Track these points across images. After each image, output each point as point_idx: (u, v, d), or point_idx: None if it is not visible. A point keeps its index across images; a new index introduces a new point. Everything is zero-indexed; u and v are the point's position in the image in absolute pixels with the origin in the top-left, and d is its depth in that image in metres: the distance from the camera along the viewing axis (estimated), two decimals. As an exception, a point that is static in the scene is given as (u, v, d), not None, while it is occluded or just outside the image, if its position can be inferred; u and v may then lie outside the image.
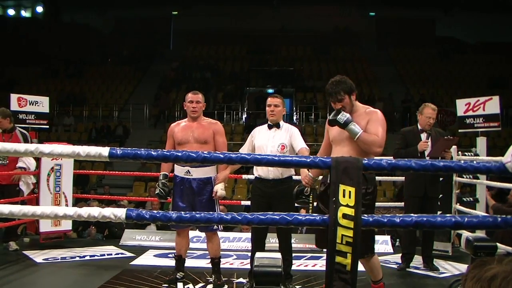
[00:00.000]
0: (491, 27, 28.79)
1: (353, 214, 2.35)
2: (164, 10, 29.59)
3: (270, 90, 23.08)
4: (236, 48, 29.23)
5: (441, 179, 6.89)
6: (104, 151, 2.40)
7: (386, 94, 22.52)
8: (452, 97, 19.58)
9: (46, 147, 2.34)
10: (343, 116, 4.15)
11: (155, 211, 2.44)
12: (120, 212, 2.35)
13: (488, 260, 1.54)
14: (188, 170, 5.41)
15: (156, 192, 5.54)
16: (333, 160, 2.41)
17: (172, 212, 2.45)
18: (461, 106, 7.87)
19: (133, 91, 24.68)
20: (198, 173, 5.41)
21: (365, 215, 2.42)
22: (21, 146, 2.34)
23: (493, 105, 7.53)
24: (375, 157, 3.47)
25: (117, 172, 12.31)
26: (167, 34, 30.83)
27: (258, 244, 5.35)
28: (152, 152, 2.41)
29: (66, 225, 7.80)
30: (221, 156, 2.42)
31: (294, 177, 5.50)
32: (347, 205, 2.36)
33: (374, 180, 4.35)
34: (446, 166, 2.38)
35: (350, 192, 2.36)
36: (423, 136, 6.32)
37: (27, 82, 23.81)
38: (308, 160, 2.40)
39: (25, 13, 30.85)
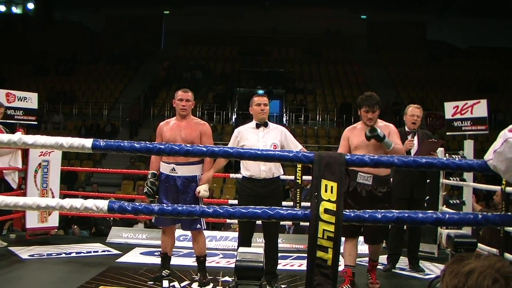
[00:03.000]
0: (481, 32, 28.94)
1: (334, 209, 2.35)
2: (156, 9, 29.53)
3: (261, 91, 23.09)
4: (227, 49, 29.25)
5: (428, 181, 6.92)
6: (87, 142, 2.39)
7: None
8: (441, 101, 19.52)
9: (29, 138, 2.33)
10: (381, 132, 5.02)
11: (137, 203, 2.44)
12: (102, 204, 2.35)
13: (466, 256, 1.56)
14: (173, 168, 5.40)
15: (144, 191, 5.52)
16: (315, 155, 2.41)
17: (154, 204, 2.44)
18: (449, 109, 7.89)
19: (123, 89, 24.64)
20: (183, 171, 5.39)
21: (347, 211, 2.43)
22: (4, 136, 2.34)
23: (481, 108, 7.55)
24: None
25: (105, 169, 12.29)
26: (159, 33, 30.80)
27: (244, 243, 5.31)
28: (135, 145, 2.41)
29: (53, 222, 7.77)
30: (204, 149, 2.42)
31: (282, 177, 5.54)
32: (328, 200, 2.36)
33: (389, 181, 5.36)
34: (428, 162, 2.38)
35: (332, 187, 2.36)
36: (410, 137, 6.34)
37: (17, 79, 23.70)
38: (291, 155, 2.40)
39: (16, 10, 30.68)
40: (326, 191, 2.37)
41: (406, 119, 6.48)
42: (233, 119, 22.61)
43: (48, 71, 26.10)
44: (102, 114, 22.33)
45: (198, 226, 5.46)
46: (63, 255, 6.81)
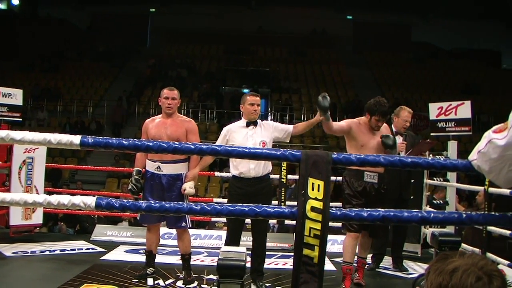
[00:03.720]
0: (466, 34, 29.21)
1: (321, 207, 2.38)
2: (142, 7, 29.48)
3: (246, 90, 23.10)
4: (212, 48, 29.23)
5: (412, 181, 6.98)
6: (76, 139, 2.40)
7: (361, 97, 22.68)
8: (426, 102, 19.76)
9: (17, 134, 2.33)
10: (394, 141, 5.36)
11: (124, 200, 2.45)
12: (90, 200, 2.35)
13: (450, 254, 1.59)
14: (158, 166, 5.39)
15: (129, 188, 5.51)
16: (303, 153, 2.43)
17: (142, 201, 2.45)
18: (434, 110, 7.94)
19: (108, 87, 24.54)
20: (169, 169, 5.39)
21: (334, 209, 2.46)
22: (-8, 132, 2.34)
23: (465, 110, 7.61)
24: None
25: (90, 167, 12.24)
26: (145, 31, 30.72)
27: (233, 243, 5.28)
28: (123, 142, 2.41)
29: (37, 219, 7.72)
30: (192, 147, 2.43)
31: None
32: (315, 198, 2.39)
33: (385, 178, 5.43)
34: (413, 162, 2.42)
35: (319, 185, 2.39)
36: (398, 138, 6.37)
37: (2, 76, 23.53)
38: (278, 153, 2.42)
39: (0, 5, 30.48)
40: (313, 189, 2.39)
41: (396, 120, 6.48)
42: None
43: (33, 68, 25.94)
44: (87, 112, 22.23)
45: (183, 224, 5.46)
46: (47, 252, 6.78)
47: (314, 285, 2.45)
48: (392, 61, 27.98)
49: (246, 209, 2.40)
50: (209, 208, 2.38)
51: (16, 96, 7.90)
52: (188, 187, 5.34)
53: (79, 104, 22.53)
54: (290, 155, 2.44)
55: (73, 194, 9.93)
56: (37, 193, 7.56)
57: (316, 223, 2.37)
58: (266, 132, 5.34)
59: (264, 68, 26.55)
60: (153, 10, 30.59)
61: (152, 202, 2.40)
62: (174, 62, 26.10)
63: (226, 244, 5.33)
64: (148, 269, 5.66)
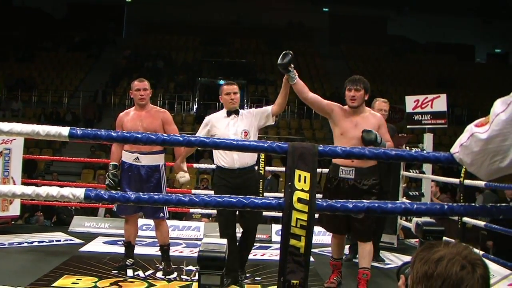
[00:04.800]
0: (440, 28, 29.50)
1: (308, 199, 2.43)
2: (118, -3, 29.30)
3: (222, 81, 23.09)
4: (189, 39, 29.12)
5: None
6: (64, 131, 2.41)
7: (338, 89, 22.81)
8: (401, 95, 19.95)
9: (5, 125, 2.33)
10: (379, 137, 4.78)
11: (113, 191, 2.47)
12: (78, 192, 2.37)
13: (435, 243, 1.65)
14: (137, 157, 5.41)
15: (106, 182, 5.52)
16: (289, 145, 2.48)
17: (131, 193, 2.48)
18: (410, 102, 8.04)
19: (84, 78, 24.34)
20: (147, 160, 5.42)
21: (319, 200, 2.52)
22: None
23: (440, 103, 7.73)
24: None
25: (66, 158, 12.18)
26: (121, 21, 30.49)
27: (225, 236, 5.14)
28: (112, 133, 2.43)
29: (14, 211, 7.67)
30: (181, 139, 2.46)
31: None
32: (302, 190, 2.43)
33: (376, 172, 5.02)
34: (397, 154, 2.47)
35: (305, 177, 2.44)
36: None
37: (-25, 65, 23.28)
38: (266, 145, 2.46)
39: (-27, -6, 30.02)
40: (299, 181, 2.44)
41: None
42: (194, 109, 22.60)
43: (7, 58, 25.59)
44: (62, 103, 22.01)
45: (161, 214, 5.49)
46: (25, 244, 6.77)
47: (300, 274, 2.50)
48: (368, 54, 28.16)
49: (234, 200, 2.44)
50: (197, 200, 2.41)
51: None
52: (180, 177, 5.39)
53: (54, 95, 22.29)
54: (277, 147, 2.48)
55: (49, 186, 9.94)
56: (14, 185, 7.52)
57: (302, 214, 2.42)
58: (248, 121, 5.21)
59: (240, 59, 26.53)
60: (129, 0, 30.38)
61: (141, 194, 2.42)
62: (150, 53, 25.98)
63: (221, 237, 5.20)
64: (128, 260, 5.68)
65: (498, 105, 2.07)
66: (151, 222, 7.99)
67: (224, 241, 2.69)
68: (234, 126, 5.19)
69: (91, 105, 21.24)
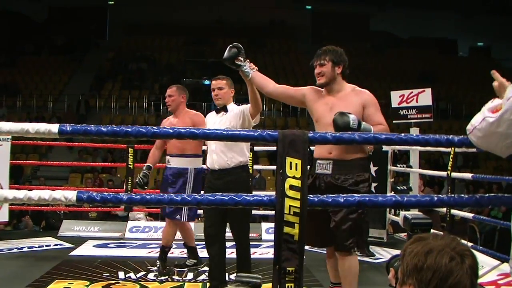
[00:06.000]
0: (422, 23, 29.66)
1: (299, 186, 2.46)
2: (100, -1, 29.16)
3: (207, 82, 23.09)
4: (172, 39, 29.04)
5: (375, 168, 7.15)
6: (54, 127, 2.41)
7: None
8: (385, 90, 20.03)
9: (-8, 125, 2.34)
10: (355, 120, 3.65)
11: (105, 193, 2.47)
12: (70, 194, 2.36)
13: (424, 236, 1.68)
14: (168, 159, 5.46)
15: (136, 181, 5.54)
16: (280, 133, 2.50)
17: (123, 194, 2.48)
18: (395, 97, 8.09)
19: (68, 81, 24.23)
20: (175, 162, 5.44)
21: (311, 195, 2.53)
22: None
23: (425, 97, 7.78)
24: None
25: (54, 162, 12.13)
26: (103, 24, 30.35)
27: (212, 240, 4.85)
28: (102, 128, 2.43)
29: (2, 217, 7.59)
30: (171, 131, 2.47)
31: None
32: (293, 177, 2.46)
33: (369, 167, 4.20)
34: (387, 138, 2.50)
35: (296, 164, 2.46)
36: None
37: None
38: (256, 134, 2.47)
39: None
40: (291, 168, 2.46)
41: None
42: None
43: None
44: (47, 107, 21.90)
45: (178, 217, 5.48)
46: (15, 250, 6.73)
47: (295, 261, 2.52)
48: (351, 50, 28.13)
49: (226, 198, 2.45)
50: (189, 199, 2.41)
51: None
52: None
53: (38, 99, 22.18)
54: (267, 135, 2.49)
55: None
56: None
57: (295, 201, 2.44)
58: (233, 119, 4.81)
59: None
60: (112, 2, 30.25)
61: (133, 194, 2.43)
62: (134, 55, 25.91)
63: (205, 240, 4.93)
64: (188, 261, 5.86)
65: (510, 90, 2.14)
66: (140, 224, 8.04)
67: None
68: (219, 124, 4.87)
69: (70, 114, 20.77)
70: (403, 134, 2.53)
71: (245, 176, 4.87)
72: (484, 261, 5.55)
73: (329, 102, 4.02)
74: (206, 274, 5.24)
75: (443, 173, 7.05)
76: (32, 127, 2.38)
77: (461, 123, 19.02)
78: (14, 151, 16.12)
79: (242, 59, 4.19)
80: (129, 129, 2.39)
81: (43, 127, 2.40)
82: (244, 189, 4.57)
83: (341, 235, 3.86)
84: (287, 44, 29.03)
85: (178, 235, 5.90)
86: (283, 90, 4.28)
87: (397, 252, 6.62)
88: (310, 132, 2.53)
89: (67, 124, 2.43)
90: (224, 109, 4.95)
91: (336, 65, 4.08)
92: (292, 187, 2.45)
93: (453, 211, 6.59)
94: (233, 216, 4.76)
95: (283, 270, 2.52)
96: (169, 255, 6.36)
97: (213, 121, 4.98)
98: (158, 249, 5.87)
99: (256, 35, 28.74)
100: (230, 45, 4.19)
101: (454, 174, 6.62)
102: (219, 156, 4.74)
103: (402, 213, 2.79)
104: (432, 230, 6.23)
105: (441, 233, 1.74)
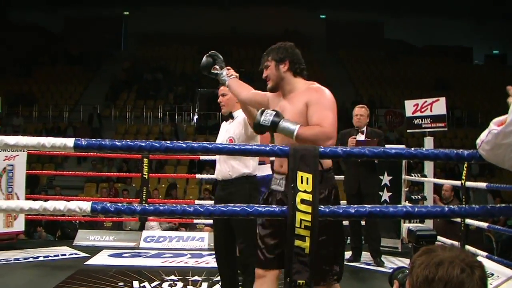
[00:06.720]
0: (437, 31, 29.56)
1: (311, 200, 2.48)
2: (115, 10, 29.34)
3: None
4: (186, 49, 29.18)
5: (382, 177, 7.23)
6: (69, 142, 2.45)
7: (336, 95, 22.82)
8: (400, 98, 20.03)
9: (11, 139, 2.37)
10: (268, 116, 3.19)
11: (119, 204, 2.50)
12: (85, 205, 2.39)
13: (432, 248, 1.69)
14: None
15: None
16: (291, 148, 2.53)
17: (137, 204, 2.51)
18: (410, 107, 8.10)
19: (83, 91, 24.41)
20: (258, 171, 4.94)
21: (322, 206, 2.55)
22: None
23: (440, 106, 7.78)
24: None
25: (69, 172, 12.20)
26: (118, 34, 30.59)
27: (219, 255, 4.56)
28: (116, 143, 2.47)
29: (18, 226, 7.67)
30: (184, 145, 2.49)
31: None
32: (305, 191, 2.48)
33: (332, 180, 3.36)
34: (397, 153, 2.52)
35: (307, 178, 2.49)
36: (359, 135, 6.62)
37: (-27, 82, 23.31)
38: (267, 149, 2.50)
39: (-31, 11, 30.12)
40: (302, 182, 2.49)
41: (353, 118, 6.79)
42: (195, 120, 22.60)
43: (5, 73, 25.62)
44: (63, 117, 22.04)
45: None
46: (31, 259, 6.77)
47: (305, 274, 2.54)
48: (365, 59, 28.21)
49: (238, 209, 2.47)
50: (202, 209, 2.44)
51: (-7, 103, 7.90)
52: None
53: (54, 109, 22.35)
54: (279, 150, 2.52)
55: (54, 200, 9.96)
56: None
57: (306, 215, 2.47)
58: (237, 127, 4.55)
59: (239, 68, 26.47)
60: (127, 13, 30.48)
61: (147, 205, 2.46)
62: (149, 65, 26.04)
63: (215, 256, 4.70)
64: None
65: None
66: (155, 233, 8.07)
67: None
68: (226, 132, 4.63)
69: (83, 129, 20.68)
70: (413, 149, 2.53)
71: (248, 188, 4.50)
72: (500, 271, 5.49)
73: (282, 106, 3.50)
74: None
75: (458, 182, 7.02)
76: (48, 141, 2.43)
77: (476, 131, 18.83)
78: (30, 161, 16.28)
79: (218, 67, 4.03)
80: (143, 144, 2.42)
81: (58, 141, 2.44)
82: (244, 201, 3.98)
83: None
84: (302, 53, 28.91)
85: (189, 243, 5.87)
86: (252, 96, 3.90)
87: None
88: (321, 146, 2.55)
89: (82, 139, 2.47)
90: (231, 116, 4.67)
91: (280, 63, 3.59)
92: (303, 201, 2.47)
93: (468, 221, 6.56)
94: (237, 227, 4.43)
95: (294, 283, 2.54)
96: (183, 264, 6.43)
97: (223, 129, 4.72)
98: (173, 259, 5.88)
99: (270, 45, 28.63)
100: (206, 54, 4.07)
101: (469, 183, 6.60)
102: (222, 166, 4.54)
103: (406, 225, 2.79)
104: (453, 242, 6.23)
105: (451, 244, 1.75)
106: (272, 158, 4.87)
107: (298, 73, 3.58)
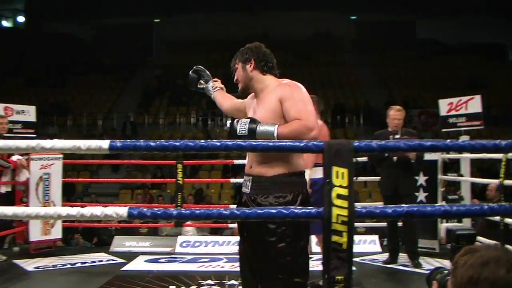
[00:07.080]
0: (470, 29, 29.18)
1: (347, 194, 2.47)
2: (145, 18, 29.60)
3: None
4: (217, 55, 29.29)
5: (418, 177, 7.13)
6: (104, 143, 2.47)
7: (369, 97, 22.72)
8: (434, 98, 19.73)
9: (47, 142, 2.39)
10: (243, 125, 3.19)
11: (156, 209, 2.49)
12: (122, 211, 2.40)
13: (474, 248, 1.64)
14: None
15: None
16: (325, 143, 2.53)
17: (173, 209, 2.51)
18: (444, 106, 8.00)
19: (116, 99, 24.68)
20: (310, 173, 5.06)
21: (358, 207, 2.52)
22: (23, 143, 2.41)
23: (475, 104, 7.68)
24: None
25: (104, 179, 12.32)
26: (150, 42, 30.85)
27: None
28: (151, 143, 2.48)
29: (56, 234, 7.75)
30: (218, 144, 2.50)
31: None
32: (340, 186, 2.48)
33: (299, 185, 3.23)
34: (432, 145, 2.47)
35: (343, 173, 2.48)
36: (394, 137, 6.49)
37: (9, 92, 23.65)
38: (302, 145, 2.49)
39: (6, 23, 30.71)
40: (337, 177, 2.48)
41: (388, 121, 6.60)
42: (228, 124, 22.60)
43: (39, 83, 26.05)
44: (97, 125, 22.33)
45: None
46: (68, 266, 6.83)
47: (344, 270, 2.52)
48: (397, 59, 27.96)
49: (274, 211, 2.46)
50: (238, 213, 2.43)
51: (29, 113, 8.04)
52: None
53: (88, 118, 22.65)
54: (313, 146, 2.50)
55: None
56: (55, 207, 7.62)
57: (343, 210, 2.46)
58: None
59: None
60: (157, 20, 30.73)
61: (183, 210, 2.46)
62: (181, 71, 26.19)
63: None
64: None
65: None
66: (191, 238, 8.09)
67: None
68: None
69: (119, 137, 20.83)
70: (448, 141, 2.49)
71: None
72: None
73: (255, 107, 3.46)
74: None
75: (496, 181, 6.89)
76: (83, 143, 2.45)
77: (512, 129, 18.64)
78: (66, 169, 16.48)
79: (203, 81, 4.08)
80: (177, 143, 2.43)
81: (94, 143, 2.46)
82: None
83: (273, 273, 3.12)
84: (333, 55, 28.92)
85: (225, 248, 5.83)
86: (231, 105, 3.86)
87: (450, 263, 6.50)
88: (356, 141, 2.52)
89: (117, 140, 2.48)
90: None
91: (246, 63, 3.52)
92: (339, 196, 2.45)
93: (509, 220, 6.43)
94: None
95: (332, 279, 2.51)
96: (219, 269, 6.41)
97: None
98: (209, 263, 5.87)
99: (301, 48, 28.73)
100: (191, 70, 4.13)
101: (507, 182, 6.46)
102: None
103: (445, 225, 2.74)
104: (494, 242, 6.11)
105: (491, 244, 1.70)
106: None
107: (267, 71, 3.50)
